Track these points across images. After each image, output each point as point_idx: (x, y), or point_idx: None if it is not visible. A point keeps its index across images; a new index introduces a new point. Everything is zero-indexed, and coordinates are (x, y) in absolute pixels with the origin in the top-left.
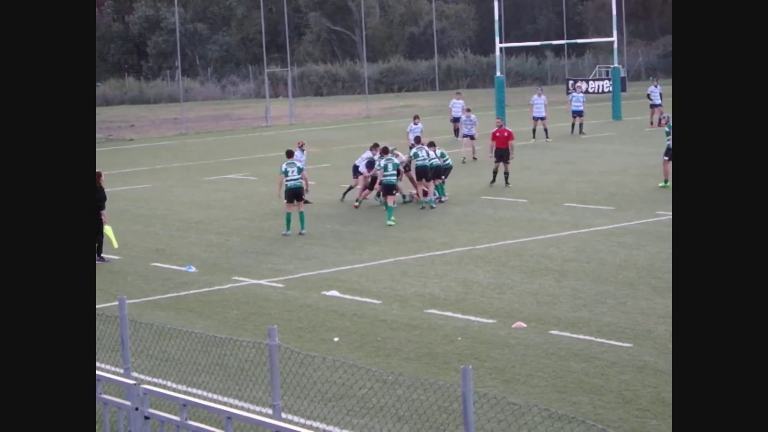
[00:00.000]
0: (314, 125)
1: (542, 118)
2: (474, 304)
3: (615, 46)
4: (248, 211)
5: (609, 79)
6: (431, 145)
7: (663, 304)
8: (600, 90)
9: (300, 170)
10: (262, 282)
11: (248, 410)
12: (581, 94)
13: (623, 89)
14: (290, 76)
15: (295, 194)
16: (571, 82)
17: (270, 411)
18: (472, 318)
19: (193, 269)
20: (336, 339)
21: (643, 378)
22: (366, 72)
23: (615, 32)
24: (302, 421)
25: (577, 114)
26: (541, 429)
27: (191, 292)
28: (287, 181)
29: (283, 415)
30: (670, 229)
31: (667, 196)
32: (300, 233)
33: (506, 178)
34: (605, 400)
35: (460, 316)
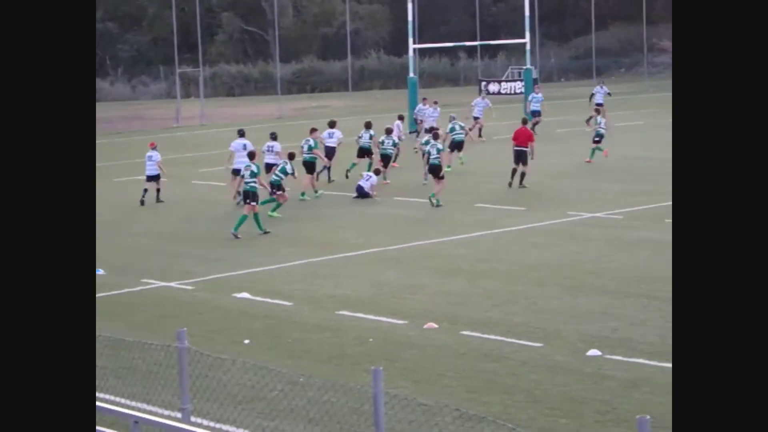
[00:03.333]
0: (226, 126)
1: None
2: (385, 305)
3: (527, 47)
4: (158, 212)
5: (521, 81)
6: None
7: (573, 304)
8: (512, 91)
9: (254, 174)
10: (172, 284)
11: (157, 414)
12: (540, 95)
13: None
14: (202, 77)
15: (246, 195)
16: (483, 83)
17: (179, 415)
18: (384, 319)
19: (101, 272)
20: (247, 341)
21: (553, 377)
22: (279, 72)
23: (527, 34)
24: (212, 424)
25: (536, 114)
26: (452, 429)
27: (100, 295)
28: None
29: (193, 419)
30: (581, 228)
31: (579, 195)
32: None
33: (521, 179)
34: (515, 399)
35: (371, 317)
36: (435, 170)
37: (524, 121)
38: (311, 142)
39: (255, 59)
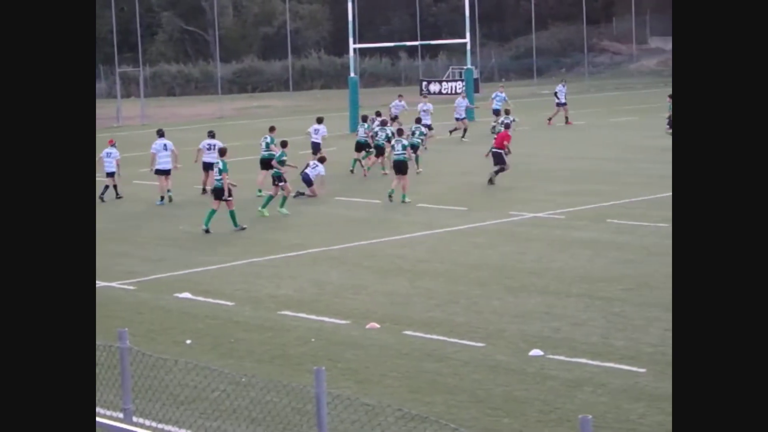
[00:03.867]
0: (167, 126)
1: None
2: (328, 305)
3: (468, 47)
4: (99, 212)
5: (462, 81)
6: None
7: (515, 303)
8: (453, 91)
9: (221, 171)
10: (113, 284)
11: (99, 415)
12: (503, 94)
13: (476, 90)
14: (142, 76)
15: (216, 193)
16: (424, 83)
17: (121, 415)
18: (326, 319)
19: None
20: (188, 341)
21: (495, 377)
22: (219, 72)
23: (468, 34)
24: (154, 424)
25: (496, 113)
26: (395, 429)
27: None
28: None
29: (135, 419)
30: (523, 228)
31: (521, 195)
32: (242, 228)
33: (493, 177)
34: (458, 399)
35: (313, 317)
36: (400, 166)
37: (506, 126)
38: (268, 139)
39: (195, 59)
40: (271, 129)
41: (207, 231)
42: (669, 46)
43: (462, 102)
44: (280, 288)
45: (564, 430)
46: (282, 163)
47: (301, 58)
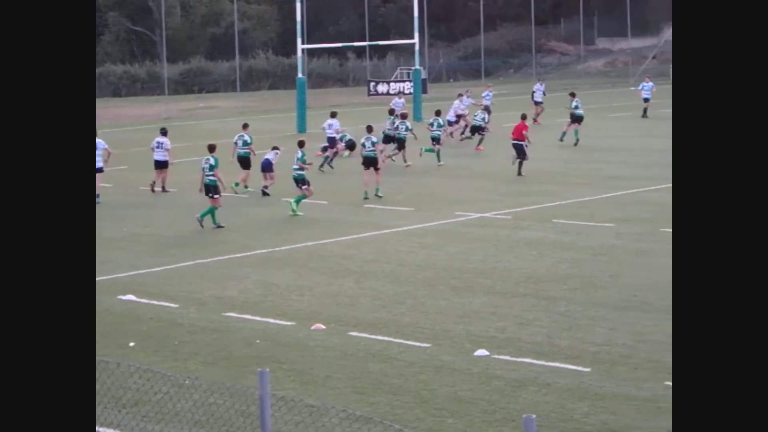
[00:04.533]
0: (113, 126)
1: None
2: (273, 307)
3: (416, 48)
4: None
5: (410, 81)
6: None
7: (461, 304)
8: (401, 92)
9: (213, 167)
10: None
11: None
12: (492, 92)
13: (424, 91)
14: None
15: (208, 189)
16: (372, 84)
17: None
18: (271, 320)
19: None
20: (132, 344)
21: (440, 378)
22: (166, 73)
23: (416, 34)
24: (96, 428)
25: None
26: (339, 430)
27: None
28: (205, 176)
29: None
30: (469, 229)
31: (468, 195)
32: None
33: (519, 168)
34: (403, 400)
35: (258, 318)
36: (370, 162)
37: (523, 117)
38: (246, 138)
39: (142, 59)
40: (245, 126)
41: (219, 226)
42: (616, 46)
43: (466, 101)
44: (226, 289)
45: (508, 430)
46: (304, 162)
47: (248, 58)
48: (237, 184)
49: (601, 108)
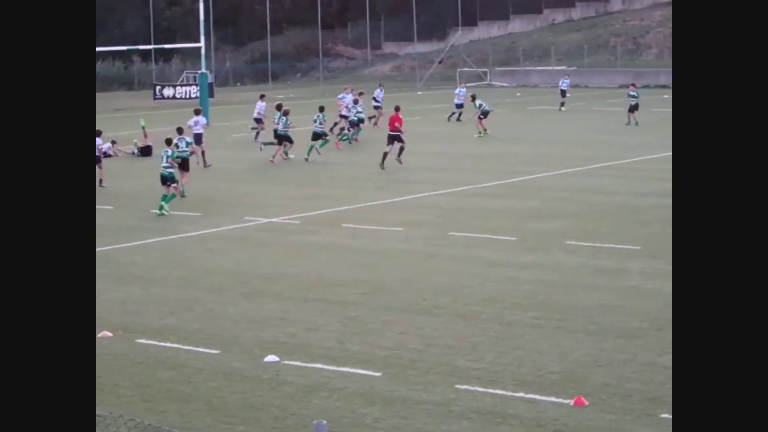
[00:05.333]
0: None
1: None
2: None
3: (203, 51)
4: None
5: (196, 85)
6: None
7: (250, 309)
8: (187, 96)
9: (168, 158)
10: None
11: None
12: (464, 89)
13: (211, 95)
14: None
15: (164, 180)
16: (158, 88)
17: None
18: None
19: None
20: None
21: (230, 384)
22: None
23: (202, 38)
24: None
25: (459, 106)
26: None
27: None
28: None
29: None
30: (258, 234)
31: (257, 200)
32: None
33: (399, 153)
34: (192, 407)
35: None
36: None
37: (396, 108)
38: (187, 139)
39: None
40: (179, 130)
41: (162, 213)
42: (403, 51)
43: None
44: None
45: None
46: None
47: None
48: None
49: (388, 113)
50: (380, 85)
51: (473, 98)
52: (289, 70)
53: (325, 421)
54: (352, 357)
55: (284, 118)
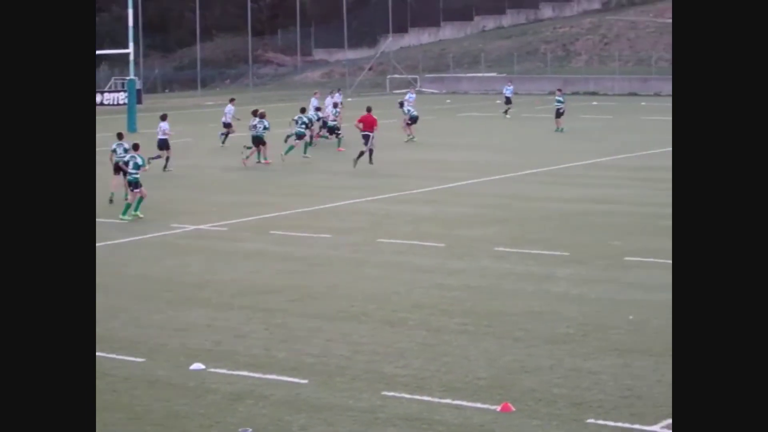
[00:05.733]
0: None
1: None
2: None
3: (131, 57)
4: None
5: (125, 91)
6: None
7: (177, 317)
8: (115, 102)
9: (138, 166)
10: None
11: None
12: (414, 95)
13: (139, 101)
14: None
15: (132, 185)
16: None
17: None
18: None
19: None
20: None
21: (155, 392)
22: None
23: (131, 44)
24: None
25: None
26: None
27: None
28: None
29: None
30: (185, 241)
31: (184, 207)
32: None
33: (371, 156)
34: (116, 416)
35: None
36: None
37: (369, 109)
38: (125, 146)
39: None
40: (119, 136)
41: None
42: (333, 57)
43: (330, 99)
44: None
45: None
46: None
47: None
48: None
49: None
50: (339, 91)
51: (401, 105)
52: (218, 77)
53: (251, 429)
54: (278, 364)
55: (264, 121)
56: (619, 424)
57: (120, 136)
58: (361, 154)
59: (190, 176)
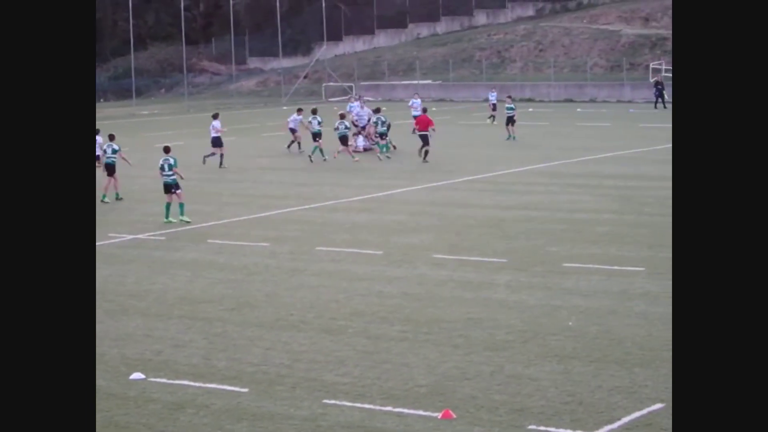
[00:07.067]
0: None
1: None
2: None
3: None
4: None
5: None
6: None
7: (115, 327)
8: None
9: (172, 166)
10: None
11: None
12: (419, 100)
13: None
14: None
15: (168, 187)
16: None
17: None
18: None
19: None
20: None
21: (96, 402)
22: None
23: None
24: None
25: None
26: None
27: None
28: (163, 175)
29: None
30: (122, 250)
31: (120, 216)
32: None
33: (425, 155)
34: None
35: None
36: (111, 169)
37: (425, 110)
38: (114, 146)
39: None
40: (111, 137)
41: (169, 222)
42: (268, 66)
43: (296, 117)
44: None
45: None
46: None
47: None
48: (104, 196)
49: (254, 128)
50: (416, 95)
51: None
52: (153, 86)
53: None
54: (218, 373)
55: (344, 122)
56: (561, 431)
57: (111, 137)
58: (426, 151)
59: (126, 186)
